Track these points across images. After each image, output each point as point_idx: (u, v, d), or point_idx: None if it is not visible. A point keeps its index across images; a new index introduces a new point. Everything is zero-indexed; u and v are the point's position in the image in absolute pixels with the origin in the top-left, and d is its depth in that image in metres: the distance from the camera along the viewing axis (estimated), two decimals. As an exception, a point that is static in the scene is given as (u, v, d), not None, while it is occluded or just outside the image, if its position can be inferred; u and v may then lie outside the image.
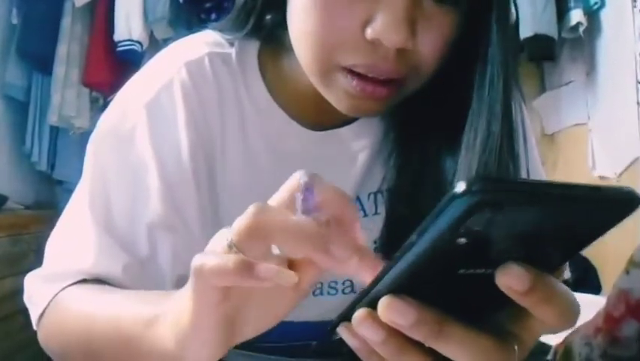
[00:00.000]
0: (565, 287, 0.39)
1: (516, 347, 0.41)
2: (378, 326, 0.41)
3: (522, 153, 0.72)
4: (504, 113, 0.68)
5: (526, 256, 0.36)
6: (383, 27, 0.62)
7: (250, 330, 0.50)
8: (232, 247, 0.44)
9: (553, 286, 0.37)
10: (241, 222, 0.43)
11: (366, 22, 0.63)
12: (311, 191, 0.45)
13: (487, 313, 0.41)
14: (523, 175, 0.72)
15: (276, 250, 0.45)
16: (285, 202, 0.46)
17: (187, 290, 0.48)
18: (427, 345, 0.40)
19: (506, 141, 0.68)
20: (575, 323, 0.40)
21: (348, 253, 0.44)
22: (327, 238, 0.44)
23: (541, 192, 0.33)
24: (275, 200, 0.46)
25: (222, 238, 0.45)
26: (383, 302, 0.40)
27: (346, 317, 0.43)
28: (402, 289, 0.39)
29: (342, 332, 0.45)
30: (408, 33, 0.62)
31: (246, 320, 0.49)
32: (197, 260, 0.44)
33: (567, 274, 0.86)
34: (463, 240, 0.34)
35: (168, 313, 0.52)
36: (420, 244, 0.35)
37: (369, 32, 0.63)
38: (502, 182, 0.32)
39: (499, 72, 0.67)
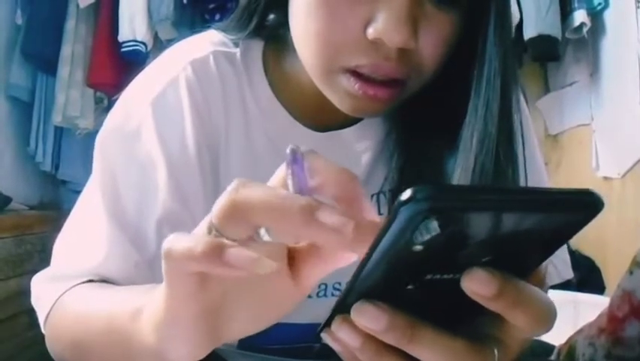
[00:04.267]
0: (538, 291, 0.38)
1: (496, 351, 0.41)
2: (355, 331, 0.40)
3: (520, 154, 0.71)
4: (502, 112, 0.68)
5: (495, 260, 0.36)
6: (384, 27, 0.62)
7: (242, 328, 0.47)
8: (212, 229, 0.40)
9: (523, 290, 0.37)
10: (220, 199, 0.39)
11: (368, 23, 0.64)
12: (300, 164, 0.40)
13: (466, 317, 0.41)
14: (521, 176, 0.72)
15: (266, 237, 0.40)
16: (280, 184, 0.42)
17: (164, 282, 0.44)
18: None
19: (504, 141, 0.68)
20: (551, 326, 0.39)
21: (341, 220, 0.37)
22: (314, 209, 0.38)
23: (490, 200, 0.33)
24: (271, 182, 0.42)
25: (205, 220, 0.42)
26: (355, 308, 0.39)
27: (329, 322, 0.43)
28: (374, 294, 0.39)
29: (324, 337, 0.44)
30: (409, 33, 0.62)
31: (234, 317, 0.45)
32: (167, 242, 0.40)
33: (570, 274, 0.86)
34: (418, 247, 0.34)
35: (149, 305, 0.48)
36: (377, 252, 0.35)
37: (371, 32, 0.63)
38: (447, 190, 0.33)
39: (496, 71, 0.67)
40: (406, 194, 0.31)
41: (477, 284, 0.36)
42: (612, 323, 0.71)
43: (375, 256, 0.36)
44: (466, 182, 0.68)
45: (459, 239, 0.34)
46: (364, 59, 0.65)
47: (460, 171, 0.70)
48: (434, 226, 0.32)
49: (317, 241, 0.41)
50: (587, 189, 0.34)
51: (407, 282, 0.38)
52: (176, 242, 0.39)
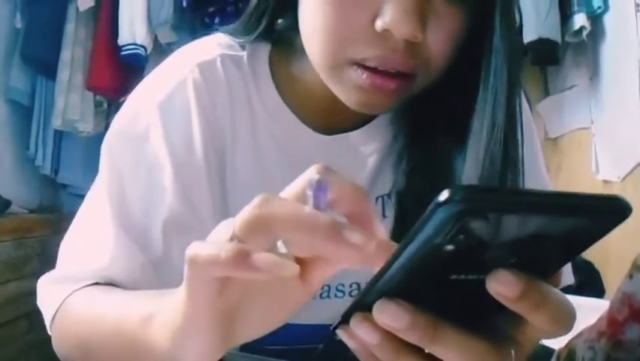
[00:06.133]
0: (560, 293, 0.39)
1: (513, 351, 0.42)
2: (374, 329, 0.41)
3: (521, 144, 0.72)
4: (508, 103, 0.68)
5: (519, 262, 0.36)
6: (392, 18, 0.62)
7: (252, 331, 0.48)
8: (234, 239, 0.41)
9: (546, 293, 0.37)
10: (246, 212, 0.41)
11: (376, 15, 0.64)
12: (324, 190, 0.42)
13: (485, 317, 0.42)
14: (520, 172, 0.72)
15: (282, 249, 0.43)
16: (296, 198, 0.43)
17: (182, 287, 0.45)
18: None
19: (511, 131, 0.69)
20: (570, 328, 0.40)
21: (364, 239, 0.40)
22: (340, 227, 0.40)
23: (524, 202, 0.33)
24: (285, 195, 0.44)
25: (225, 228, 0.43)
26: (377, 306, 0.40)
27: (346, 319, 0.43)
28: (396, 293, 0.39)
29: (341, 334, 0.44)
30: (417, 24, 0.63)
31: (246, 320, 0.46)
32: (191, 249, 0.42)
33: (570, 278, 0.86)
34: (449, 247, 0.34)
35: (163, 311, 0.50)
36: (407, 252, 0.36)
37: (379, 24, 0.63)
38: (484, 191, 0.33)
39: (503, 64, 0.68)
40: (443, 195, 0.32)
41: (502, 285, 0.36)
42: (612, 327, 0.71)
43: (404, 255, 0.36)
44: (476, 173, 0.69)
45: (488, 240, 0.34)
46: (372, 51, 0.65)
47: (470, 162, 0.70)
48: (468, 227, 0.33)
49: (338, 256, 0.42)
50: (615, 196, 0.35)
51: (431, 282, 0.38)
52: (202, 248, 0.41)
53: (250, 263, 0.39)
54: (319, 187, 0.42)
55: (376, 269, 0.39)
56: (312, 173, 0.43)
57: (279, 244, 0.42)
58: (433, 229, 0.33)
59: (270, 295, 0.46)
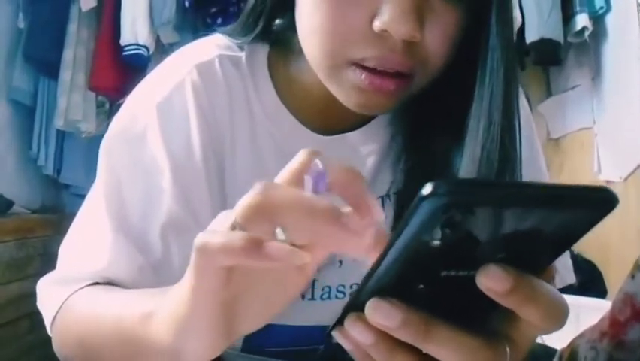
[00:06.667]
0: (551, 287, 0.39)
1: (507, 348, 0.41)
2: (368, 329, 0.41)
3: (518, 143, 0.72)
4: (505, 101, 0.68)
5: (509, 257, 0.36)
6: (390, 18, 0.62)
7: (251, 323, 0.48)
8: (236, 227, 0.41)
9: (537, 287, 0.37)
10: (247, 199, 0.41)
11: (374, 15, 0.64)
12: (323, 175, 0.43)
13: (478, 314, 0.41)
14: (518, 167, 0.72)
15: (281, 236, 0.42)
16: (289, 184, 0.44)
17: (186, 278, 0.45)
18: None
19: (507, 129, 0.69)
20: (563, 323, 0.39)
21: (362, 225, 0.41)
22: (340, 212, 0.41)
23: (510, 194, 0.33)
24: (281, 180, 0.44)
25: (225, 219, 0.43)
26: (370, 305, 0.40)
27: (341, 320, 0.43)
28: (388, 291, 0.39)
29: (336, 336, 0.45)
30: (415, 24, 0.63)
31: (247, 312, 0.47)
32: (201, 238, 0.42)
33: (572, 278, 0.86)
34: (437, 242, 0.34)
35: (165, 306, 0.50)
36: (396, 248, 0.36)
37: (377, 24, 0.63)
38: (468, 184, 0.33)
39: (499, 61, 0.68)
40: (427, 188, 0.31)
41: (492, 280, 0.36)
42: (614, 327, 0.71)
43: (393, 251, 0.36)
44: (473, 171, 0.69)
45: (476, 235, 0.34)
46: (370, 51, 0.65)
47: (467, 160, 0.70)
48: (454, 220, 0.33)
49: (337, 242, 0.42)
50: (602, 186, 0.35)
51: (422, 279, 0.38)
52: (212, 237, 0.41)
53: (262, 252, 0.40)
54: (318, 172, 0.42)
55: (369, 265, 0.39)
56: (303, 158, 0.44)
57: (278, 230, 0.42)
58: (419, 223, 0.33)
59: (268, 285, 0.46)
